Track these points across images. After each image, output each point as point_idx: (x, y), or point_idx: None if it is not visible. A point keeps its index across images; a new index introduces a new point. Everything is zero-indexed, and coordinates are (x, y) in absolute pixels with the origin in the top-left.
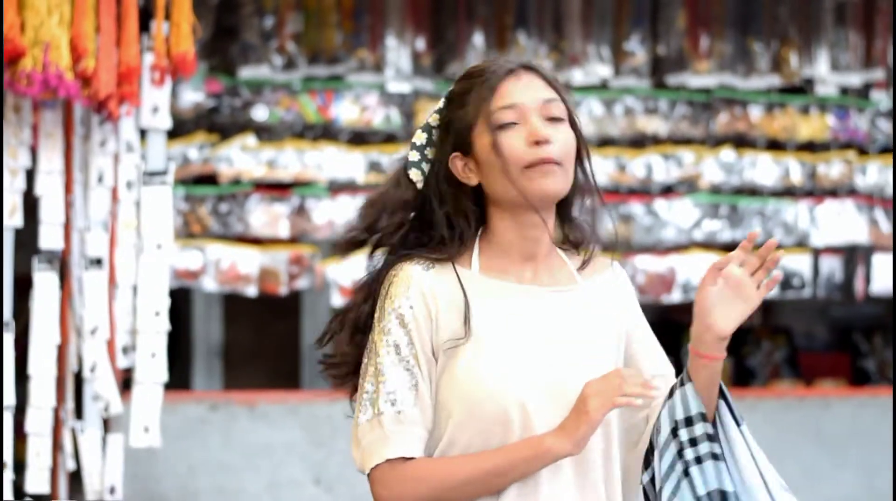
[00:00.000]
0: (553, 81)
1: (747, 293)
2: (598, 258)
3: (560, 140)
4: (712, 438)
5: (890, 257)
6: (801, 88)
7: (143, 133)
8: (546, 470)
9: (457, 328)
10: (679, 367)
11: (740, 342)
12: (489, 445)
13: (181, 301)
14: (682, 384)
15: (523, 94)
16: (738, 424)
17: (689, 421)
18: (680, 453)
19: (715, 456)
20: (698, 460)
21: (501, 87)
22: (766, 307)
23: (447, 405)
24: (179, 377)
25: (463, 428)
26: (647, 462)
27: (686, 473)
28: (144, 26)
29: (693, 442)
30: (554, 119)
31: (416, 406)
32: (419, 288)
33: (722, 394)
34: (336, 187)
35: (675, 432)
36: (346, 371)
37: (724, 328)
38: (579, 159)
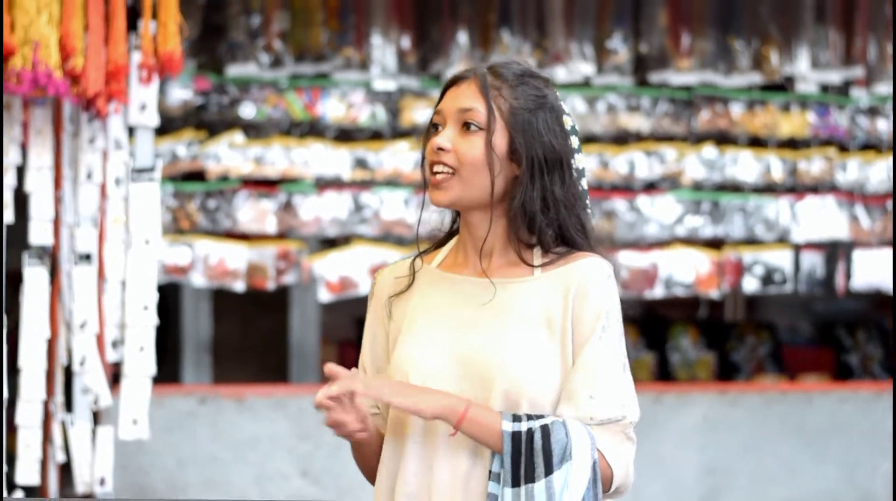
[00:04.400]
0: (495, 89)
1: None
2: (574, 255)
3: (460, 149)
4: None
5: (869, 253)
6: (782, 86)
7: (131, 130)
8: (441, 449)
9: (396, 312)
10: (664, 360)
11: (725, 336)
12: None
13: (170, 296)
14: None
15: (449, 101)
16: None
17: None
18: None
19: None
20: None
21: (445, 93)
22: (750, 303)
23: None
24: (169, 371)
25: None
26: None
27: None
28: (132, 25)
29: None
30: (467, 128)
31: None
32: (380, 286)
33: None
34: (323, 184)
35: None
36: None
37: None
38: (539, 167)
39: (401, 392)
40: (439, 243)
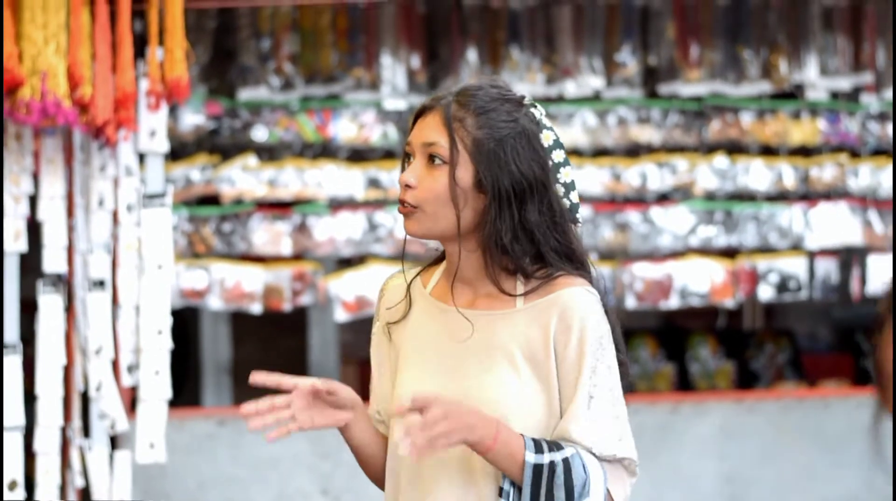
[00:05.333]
0: (458, 120)
1: None
2: (556, 282)
3: (424, 185)
4: None
5: (884, 257)
6: (792, 94)
7: (141, 157)
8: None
9: (396, 337)
10: (683, 371)
11: (743, 345)
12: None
13: (189, 320)
14: None
15: (417, 132)
16: None
17: None
18: None
19: None
20: None
21: (415, 123)
22: (769, 310)
23: None
24: (189, 395)
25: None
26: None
27: None
28: (139, 52)
29: None
30: (433, 161)
31: (372, 404)
32: (385, 298)
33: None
34: (336, 204)
35: None
36: None
37: None
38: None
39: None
40: (437, 260)
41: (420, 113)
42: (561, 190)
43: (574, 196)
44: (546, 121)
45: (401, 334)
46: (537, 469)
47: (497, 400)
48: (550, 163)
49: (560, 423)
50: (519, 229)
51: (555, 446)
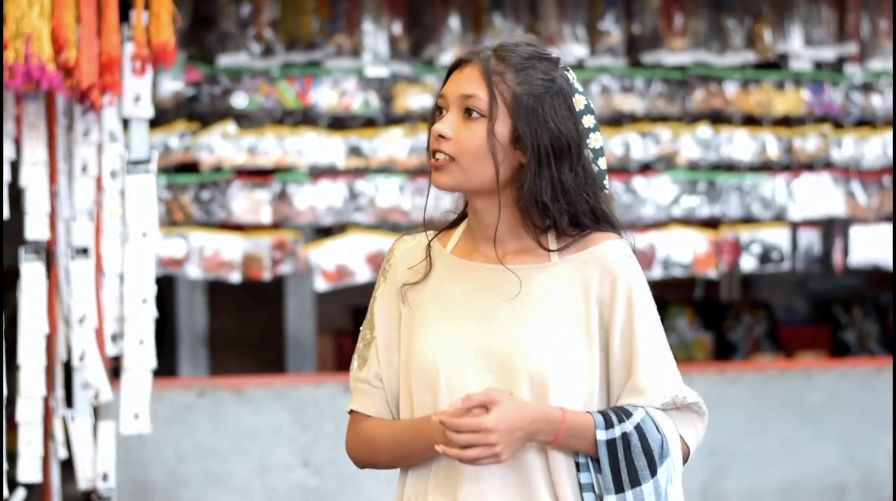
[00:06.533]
0: (498, 74)
1: None
2: (591, 237)
3: (460, 137)
4: None
5: (866, 228)
6: (776, 64)
7: (125, 122)
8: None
9: (413, 298)
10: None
11: (721, 316)
12: (420, 407)
13: (165, 289)
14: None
15: (452, 85)
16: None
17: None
18: None
19: None
20: None
21: (449, 76)
22: (746, 282)
23: (400, 369)
24: (165, 365)
25: (405, 391)
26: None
27: None
28: (124, 16)
29: None
30: (469, 114)
31: (371, 367)
32: (397, 260)
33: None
34: (317, 172)
35: None
36: None
37: None
38: (547, 156)
39: (505, 436)
40: (452, 223)
41: (455, 66)
42: (590, 156)
43: (602, 163)
44: (578, 86)
45: (419, 294)
46: (611, 444)
47: (533, 352)
48: (581, 126)
49: (628, 381)
50: (557, 187)
51: (623, 413)
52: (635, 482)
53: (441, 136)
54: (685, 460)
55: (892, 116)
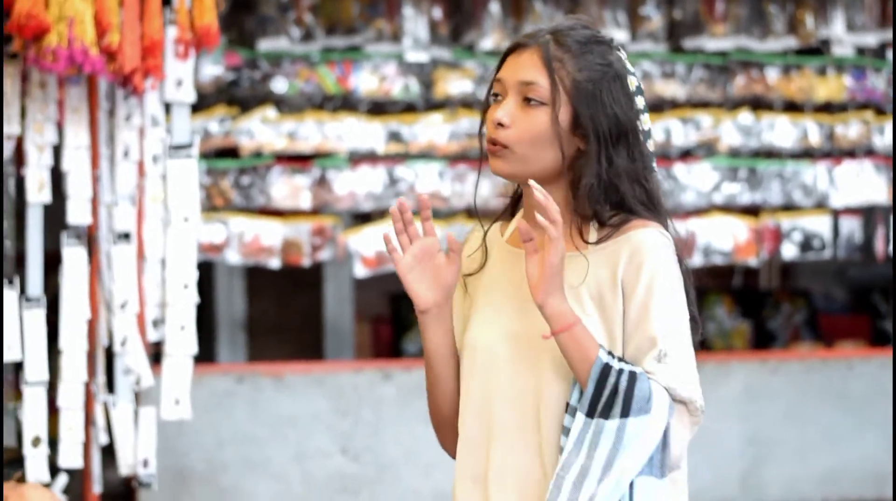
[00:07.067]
0: (558, 60)
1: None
2: (630, 225)
3: (520, 125)
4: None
5: None
6: (818, 49)
7: (167, 107)
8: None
9: (471, 287)
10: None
11: (760, 305)
12: (465, 392)
13: (203, 275)
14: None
15: (511, 70)
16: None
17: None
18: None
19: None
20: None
21: (506, 60)
22: (785, 270)
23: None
24: (204, 351)
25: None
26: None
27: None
28: (167, 0)
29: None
30: (528, 101)
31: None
32: (462, 249)
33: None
34: (356, 158)
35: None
36: None
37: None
38: (599, 142)
39: (548, 277)
40: (515, 209)
41: (512, 50)
42: (641, 139)
43: (650, 145)
44: (630, 66)
45: (476, 284)
46: (605, 368)
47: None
48: (635, 108)
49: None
50: (612, 173)
51: (626, 362)
52: (604, 414)
53: (500, 123)
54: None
55: None
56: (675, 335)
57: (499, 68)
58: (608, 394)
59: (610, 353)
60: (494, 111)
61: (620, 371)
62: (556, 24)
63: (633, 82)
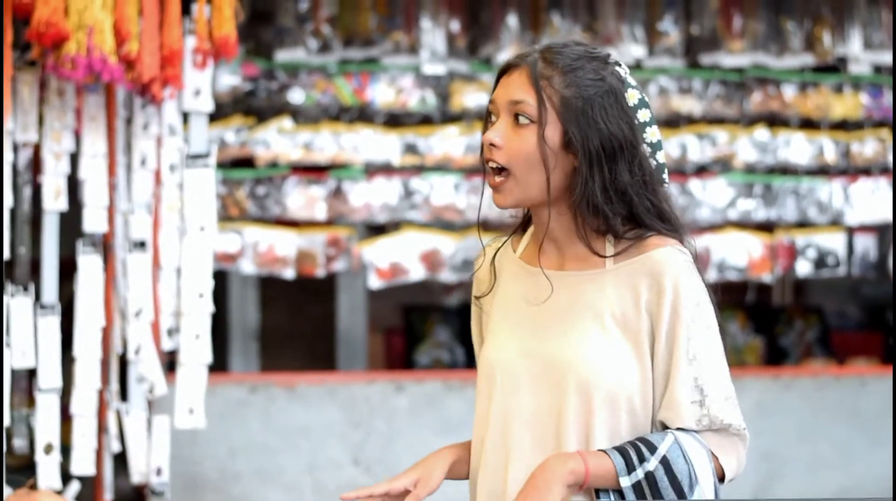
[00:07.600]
0: (545, 78)
1: None
2: (647, 243)
3: (511, 145)
4: None
5: None
6: (835, 67)
7: (184, 116)
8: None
9: (486, 305)
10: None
11: (773, 321)
12: (481, 412)
13: (217, 284)
14: None
15: (501, 91)
16: None
17: None
18: None
19: None
20: None
21: (499, 81)
22: (798, 287)
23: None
24: (217, 360)
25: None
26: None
27: None
28: (186, 9)
29: None
30: (518, 121)
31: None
32: (475, 269)
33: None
34: (372, 170)
35: None
36: None
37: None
38: (596, 160)
39: None
40: (526, 225)
41: (504, 71)
42: (647, 150)
43: (661, 156)
44: (631, 80)
45: (490, 303)
46: (637, 487)
47: (579, 358)
48: (636, 122)
49: (665, 393)
50: (611, 189)
51: (647, 448)
52: None
53: (492, 144)
54: (722, 479)
55: None
56: (709, 362)
57: (493, 90)
58: (652, 495)
59: (627, 462)
60: (486, 135)
61: (649, 474)
62: (548, 43)
63: (633, 96)
